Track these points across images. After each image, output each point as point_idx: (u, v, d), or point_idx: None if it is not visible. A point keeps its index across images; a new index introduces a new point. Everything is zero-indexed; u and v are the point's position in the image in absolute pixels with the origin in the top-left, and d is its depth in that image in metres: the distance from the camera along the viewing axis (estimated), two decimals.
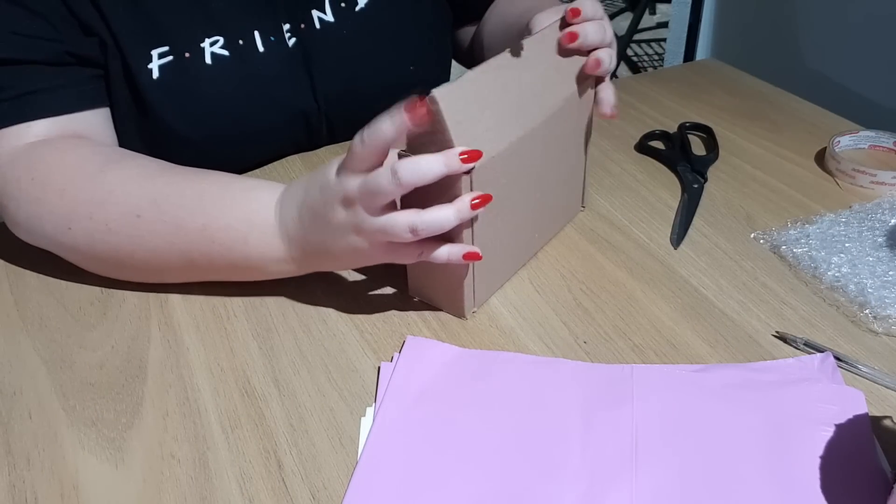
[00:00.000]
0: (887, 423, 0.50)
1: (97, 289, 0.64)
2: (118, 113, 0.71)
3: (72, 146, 0.64)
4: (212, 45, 0.71)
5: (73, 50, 0.66)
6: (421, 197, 0.56)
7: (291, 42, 0.75)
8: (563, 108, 0.62)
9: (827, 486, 0.46)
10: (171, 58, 0.70)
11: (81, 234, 0.60)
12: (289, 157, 0.82)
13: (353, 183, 0.52)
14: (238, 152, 0.78)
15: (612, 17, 3.36)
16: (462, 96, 0.52)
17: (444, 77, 0.88)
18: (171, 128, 0.72)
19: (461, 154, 0.51)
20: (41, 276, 0.66)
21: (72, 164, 0.62)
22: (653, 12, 3.34)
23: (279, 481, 0.48)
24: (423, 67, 0.83)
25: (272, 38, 0.74)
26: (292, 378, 0.55)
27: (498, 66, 0.56)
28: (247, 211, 0.58)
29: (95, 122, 0.68)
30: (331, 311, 0.61)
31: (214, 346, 0.58)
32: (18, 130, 0.64)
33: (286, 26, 0.75)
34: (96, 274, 0.65)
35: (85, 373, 0.56)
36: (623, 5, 3.44)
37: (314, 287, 0.63)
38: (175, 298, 0.63)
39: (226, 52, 0.72)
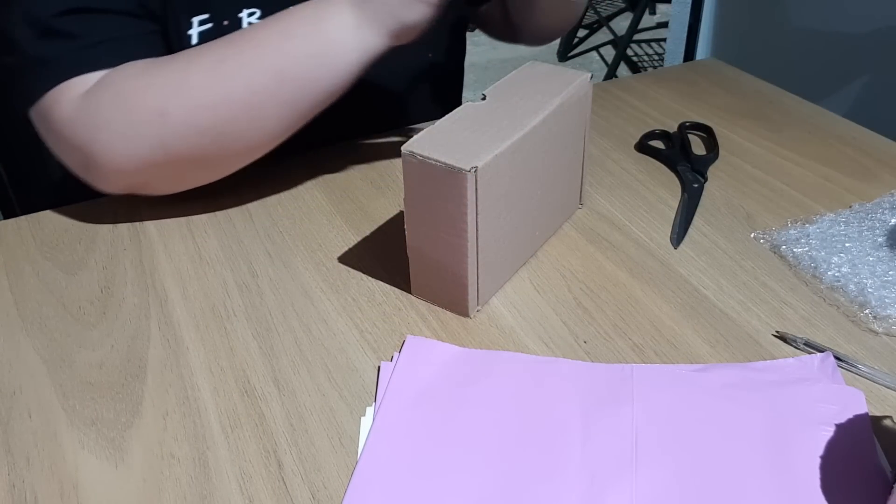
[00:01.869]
0: (887, 423, 0.50)
1: (97, 288, 0.64)
2: None
3: (136, 61, 0.65)
4: (249, 15, 0.72)
5: (145, 2, 0.67)
6: (426, 198, 0.56)
7: None
8: (560, 106, 0.62)
9: (827, 486, 0.46)
10: (210, 25, 0.71)
11: (177, 113, 0.62)
12: (289, 156, 0.82)
13: None
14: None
15: (612, 17, 3.36)
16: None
17: (456, 65, 0.88)
18: None
19: None
20: (41, 276, 0.66)
21: (144, 66, 0.64)
22: (653, 12, 3.34)
23: (279, 481, 0.48)
24: (437, 53, 0.83)
25: None
26: (292, 378, 0.55)
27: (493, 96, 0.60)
28: (316, 3, 0.62)
29: None
30: (331, 311, 0.61)
31: (214, 346, 0.58)
32: (88, 79, 0.64)
33: None
34: (197, 182, 0.69)
35: (85, 372, 0.56)
36: (623, 5, 3.44)
37: (314, 287, 0.63)
38: (175, 298, 0.63)
39: None
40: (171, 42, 0.70)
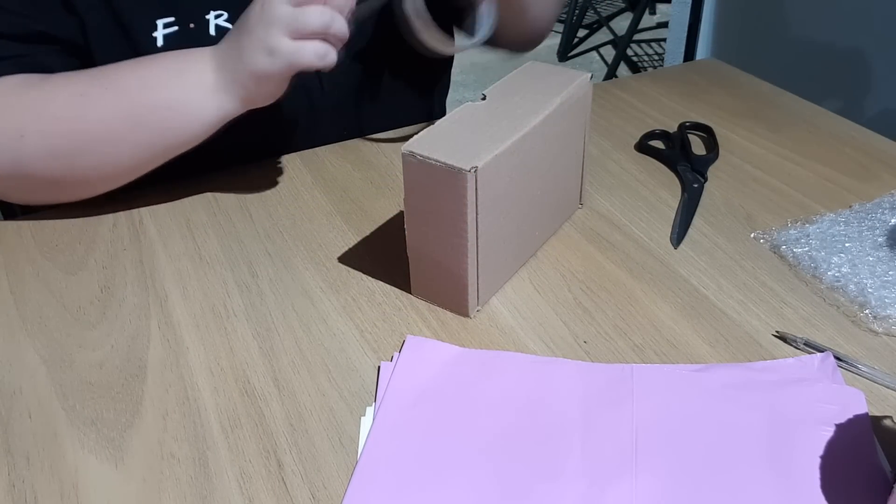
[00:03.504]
0: (887, 423, 0.50)
1: (97, 288, 0.64)
2: None
3: (9, 77, 0.67)
4: (216, 17, 0.72)
5: (46, 30, 0.68)
6: (426, 198, 0.56)
7: None
8: (560, 106, 0.62)
9: (827, 486, 0.46)
10: (176, 28, 0.71)
11: (33, 138, 0.64)
12: (289, 155, 0.82)
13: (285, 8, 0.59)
14: (241, 128, 0.78)
15: (612, 17, 3.37)
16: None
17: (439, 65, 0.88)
18: None
19: None
20: (41, 276, 0.66)
21: (14, 85, 0.66)
22: (653, 12, 3.34)
23: (279, 481, 0.48)
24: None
25: None
26: (292, 378, 0.55)
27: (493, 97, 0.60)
28: (181, 54, 0.65)
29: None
30: (331, 310, 0.61)
31: (214, 346, 0.58)
32: None
33: None
34: (53, 199, 0.70)
35: (85, 372, 0.56)
36: (623, 5, 3.44)
37: (314, 287, 0.63)
38: (175, 298, 0.63)
39: (230, 26, 0.73)
40: (136, 47, 0.71)
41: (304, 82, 0.78)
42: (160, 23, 0.71)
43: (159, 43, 0.71)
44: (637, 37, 3.07)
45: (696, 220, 0.71)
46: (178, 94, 0.64)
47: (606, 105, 0.92)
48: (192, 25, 0.71)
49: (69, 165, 0.66)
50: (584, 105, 0.66)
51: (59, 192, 0.70)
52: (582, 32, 3.27)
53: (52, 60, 0.70)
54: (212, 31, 0.72)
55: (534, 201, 0.63)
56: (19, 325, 0.61)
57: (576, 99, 0.64)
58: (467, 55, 0.99)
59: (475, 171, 0.53)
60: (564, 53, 3.08)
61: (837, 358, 0.55)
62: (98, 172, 0.68)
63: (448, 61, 0.97)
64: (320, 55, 0.61)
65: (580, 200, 0.73)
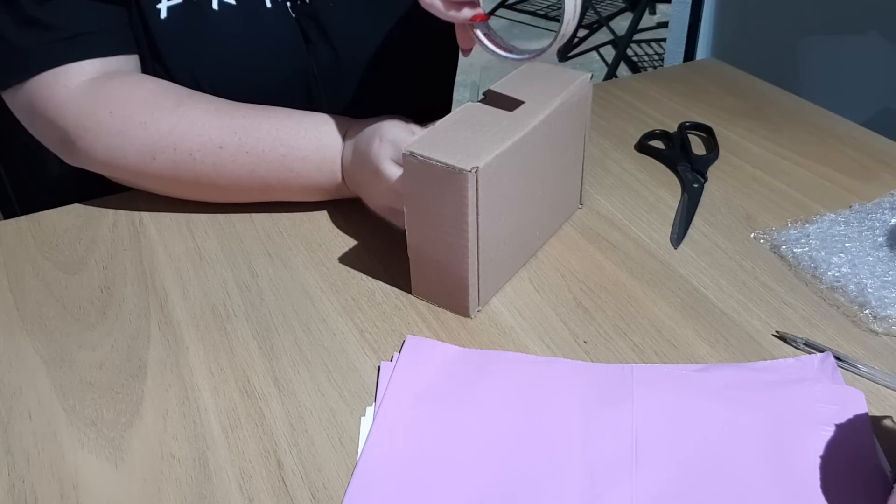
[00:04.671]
0: (887, 423, 0.50)
1: (97, 288, 0.64)
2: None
3: (139, 81, 0.70)
4: None
5: None
6: (426, 198, 0.56)
7: (293, 15, 0.76)
8: (560, 106, 0.62)
9: (827, 486, 0.46)
10: (179, 0, 0.71)
11: (166, 164, 0.67)
12: None
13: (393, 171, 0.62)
14: None
15: (612, 17, 3.36)
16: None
17: (444, 44, 0.87)
18: (178, 75, 0.73)
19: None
20: (41, 276, 0.66)
21: (148, 98, 0.68)
22: (653, 12, 3.34)
23: (279, 481, 0.48)
24: (416, 35, 0.83)
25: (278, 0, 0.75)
26: (292, 378, 0.55)
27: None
28: (319, 145, 0.68)
29: (135, 67, 0.73)
30: (331, 311, 0.61)
31: (214, 346, 0.58)
32: (78, 67, 0.68)
33: (288, 4, 0.76)
34: (175, 197, 0.72)
35: (85, 372, 0.56)
36: (623, 5, 3.44)
37: (314, 287, 0.63)
38: (175, 298, 0.63)
39: (232, 1, 0.73)
40: (144, 19, 0.71)
41: (304, 75, 0.78)
42: None
43: (163, 15, 0.71)
44: (637, 37, 3.07)
45: (696, 220, 0.71)
46: (308, 183, 0.69)
47: (606, 105, 0.92)
48: None
49: (192, 190, 0.71)
50: (585, 105, 0.66)
51: (183, 196, 0.73)
52: (582, 32, 3.27)
53: (129, 33, 0.71)
54: (214, 6, 0.72)
55: (534, 201, 0.63)
56: (19, 325, 0.61)
57: (576, 99, 0.64)
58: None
59: (476, 172, 0.53)
60: (564, 53, 3.08)
61: (837, 358, 0.55)
62: (222, 198, 0.72)
63: (450, 78, 0.96)
64: None
65: (580, 200, 0.73)
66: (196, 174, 0.68)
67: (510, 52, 0.61)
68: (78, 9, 0.68)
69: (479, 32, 0.61)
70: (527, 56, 0.60)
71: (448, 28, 0.62)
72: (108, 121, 0.67)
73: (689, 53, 1.74)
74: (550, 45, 0.58)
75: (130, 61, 0.72)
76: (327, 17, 0.77)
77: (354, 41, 0.80)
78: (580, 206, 0.73)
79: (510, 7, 3.34)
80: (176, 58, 0.72)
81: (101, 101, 0.67)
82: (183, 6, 0.71)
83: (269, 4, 0.75)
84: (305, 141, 0.68)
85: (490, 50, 0.62)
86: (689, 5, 1.70)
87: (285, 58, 0.77)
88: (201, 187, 0.70)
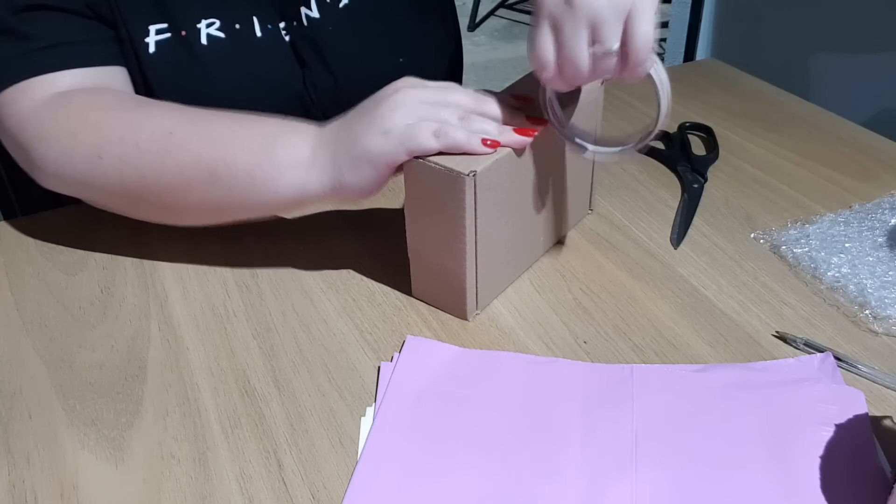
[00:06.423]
0: (887, 423, 0.50)
1: (97, 289, 0.64)
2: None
3: (108, 90, 0.67)
4: (208, 26, 0.72)
5: (91, 4, 0.67)
6: (426, 201, 0.56)
7: (287, 38, 0.76)
8: (568, 111, 0.62)
9: (827, 486, 0.46)
10: (168, 35, 0.71)
11: (111, 162, 0.62)
12: None
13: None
14: None
15: None
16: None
17: (444, 62, 0.87)
18: None
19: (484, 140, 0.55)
20: (41, 276, 0.66)
21: (110, 101, 0.65)
22: None
23: (279, 481, 0.48)
24: (416, 57, 0.83)
25: (269, 27, 0.75)
26: (292, 378, 0.55)
27: None
28: (285, 122, 0.61)
29: (121, 80, 0.70)
30: (331, 311, 0.61)
31: (214, 346, 0.58)
32: (49, 80, 0.65)
33: (281, 24, 0.76)
34: (118, 213, 0.67)
35: (85, 372, 0.56)
36: None
37: (314, 287, 0.63)
38: (175, 298, 0.63)
39: (221, 35, 0.73)
40: (127, 48, 0.70)
41: (300, 99, 0.78)
42: (152, 28, 0.70)
43: (151, 49, 0.70)
44: None
45: (696, 221, 0.71)
46: (262, 162, 0.60)
47: (606, 105, 0.91)
48: (183, 33, 0.71)
49: (136, 198, 0.65)
50: (595, 110, 0.66)
51: (130, 213, 0.69)
52: None
53: (112, 46, 0.69)
54: (203, 40, 0.72)
55: (537, 206, 0.63)
56: (19, 325, 0.61)
57: (586, 104, 0.64)
58: (466, 55, 0.98)
59: (474, 176, 0.53)
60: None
61: (837, 358, 0.55)
62: (165, 213, 0.67)
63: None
64: (437, 133, 0.55)
65: (590, 205, 0.72)
66: (139, 170, 0.62)
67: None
68: (56, 20, 0.66)
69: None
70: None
71: (448, 51, 0.61)
72: (64, 125, 0.63)
73: (689, 53, 1.74)
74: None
75: (116, 73, 0.69)
76: (325, 41, 0.77)
77: (353, 65, 0.79)
78: (590, 210, 0.72)
79: (510, 7, 3.33)
80: (168, 90, 0.71)
81: (63, 105, 0.64)
82: (171, 41, 0.71)
83: (259, 33, 0.74)
84: (266, 120, 0.62)
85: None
86: (689, 5, 1.70)
87: (279, 85, 0.77)
88: (145, 188, 0.63)
